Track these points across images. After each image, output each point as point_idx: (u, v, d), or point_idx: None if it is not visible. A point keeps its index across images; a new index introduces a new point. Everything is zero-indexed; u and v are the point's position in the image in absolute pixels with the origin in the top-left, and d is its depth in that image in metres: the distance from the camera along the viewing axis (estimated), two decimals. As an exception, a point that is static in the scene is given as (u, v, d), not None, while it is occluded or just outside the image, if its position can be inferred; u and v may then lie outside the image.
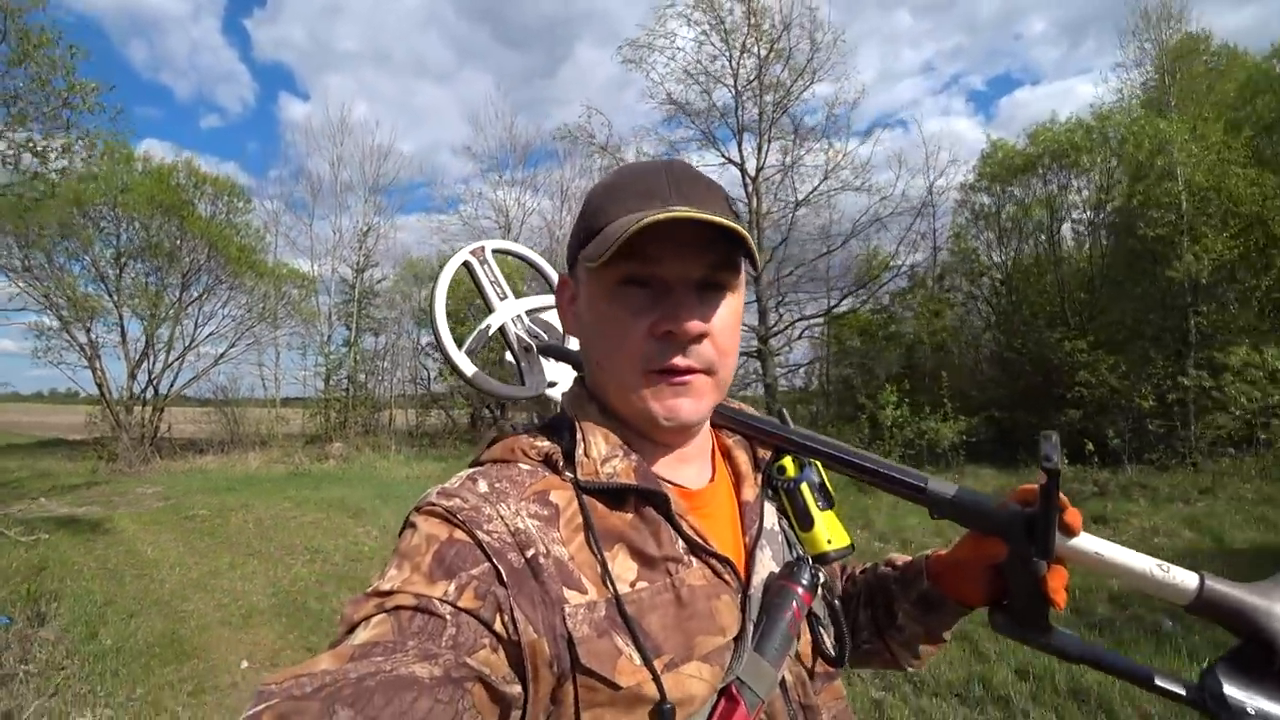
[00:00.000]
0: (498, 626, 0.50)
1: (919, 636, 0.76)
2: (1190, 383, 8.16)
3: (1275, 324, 9.34)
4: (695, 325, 0.57)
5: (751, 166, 12.14)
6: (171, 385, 15.37)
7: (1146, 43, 10.73)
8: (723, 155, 12.41)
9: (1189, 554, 5.83)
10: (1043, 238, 11.73)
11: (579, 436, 0.61)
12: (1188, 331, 9.38)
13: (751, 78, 12.00)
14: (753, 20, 11.89)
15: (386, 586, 0.50)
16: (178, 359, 15.29)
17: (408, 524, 0.57)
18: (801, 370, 14.89)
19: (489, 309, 1.02)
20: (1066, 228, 11.87)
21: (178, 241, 14.49)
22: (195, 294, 15.35)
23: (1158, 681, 0.59)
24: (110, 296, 14.46)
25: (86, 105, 7.11)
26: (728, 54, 12.00)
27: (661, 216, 0.53)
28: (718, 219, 0.54)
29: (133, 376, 14.65)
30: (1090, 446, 8.51)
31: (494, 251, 1.09)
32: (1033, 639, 0.62)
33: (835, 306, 13.07)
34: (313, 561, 5.40)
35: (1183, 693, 0.57)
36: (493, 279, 1.05)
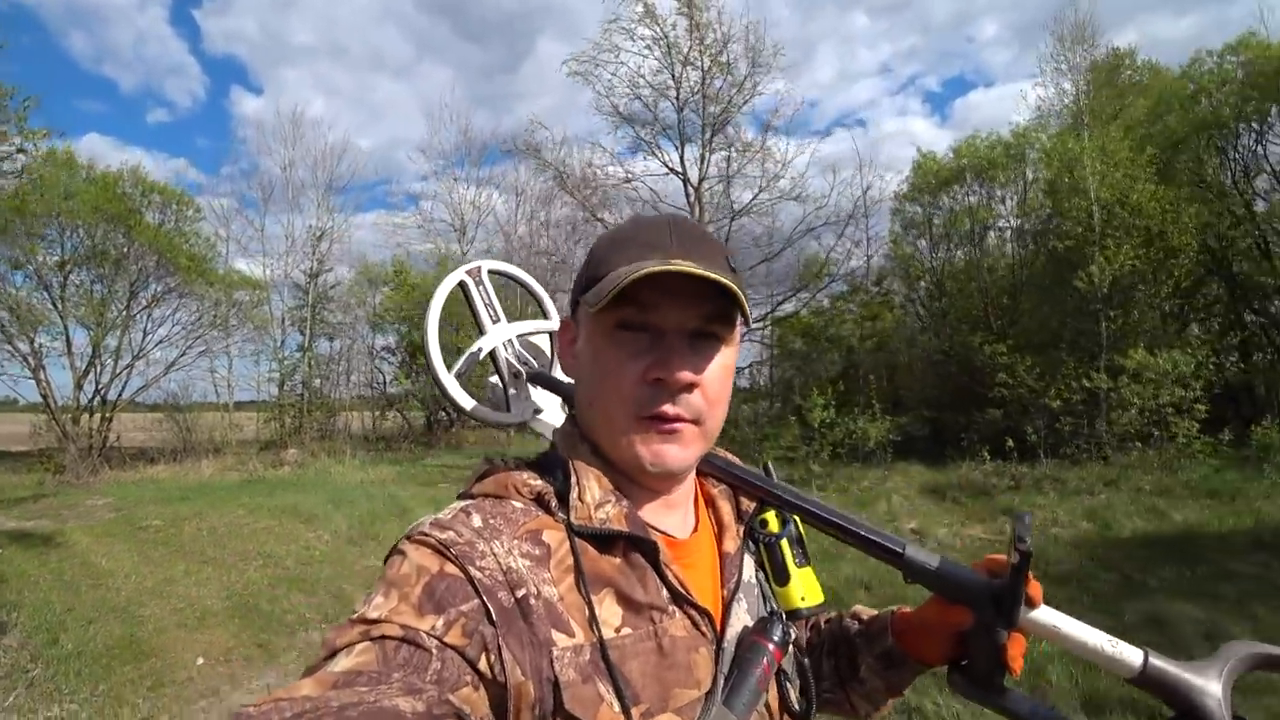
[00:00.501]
0: (482, 665, 0.50)
1: (880, 690, 0.79)
2: (1090, 384, 8.86)
3: (1178, 329, 10.18)
4: (686, 375, 0.60)
5: (694, 176, 12.64)
6: (120, 394, 15.21)
7: (1062, 64, 11.49)
8: (666, 166, 12.89)
9: (1081, 543, 6.46)
10: (970, 246, 12.46)
11: (573, 479, 0.62)
12: (1099, 335, 10.16)
13: (695, 90, 12.49)
14: (696, 34, 12.39)
15: (373, 615, 0.50)
16: (126, 368, 15.12)
17: (397, 551, 0.57)
18: (745, 371, 15.47)
19: (480, 331, 1.02)
20: (993, 235, 12.67)
21: (124, 250, 14.37)
22: (144, 302, 15.23)
23: None
24: (55, 305, 14.28)
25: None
26: (670, 67, 12.46)
27: (658, 269, 0.56)
28: (711, 274, 0.57)
29: (79, 386, 14.48)
30: (1010, 443, 9.21)
31: (490, 273, 1.08)
32: (989, 700, 0.65)
33: (774, 311, 13.64)
34: (265, 566, 5.67)
35: None
36: (486, 301, 1.04)
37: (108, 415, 14.63)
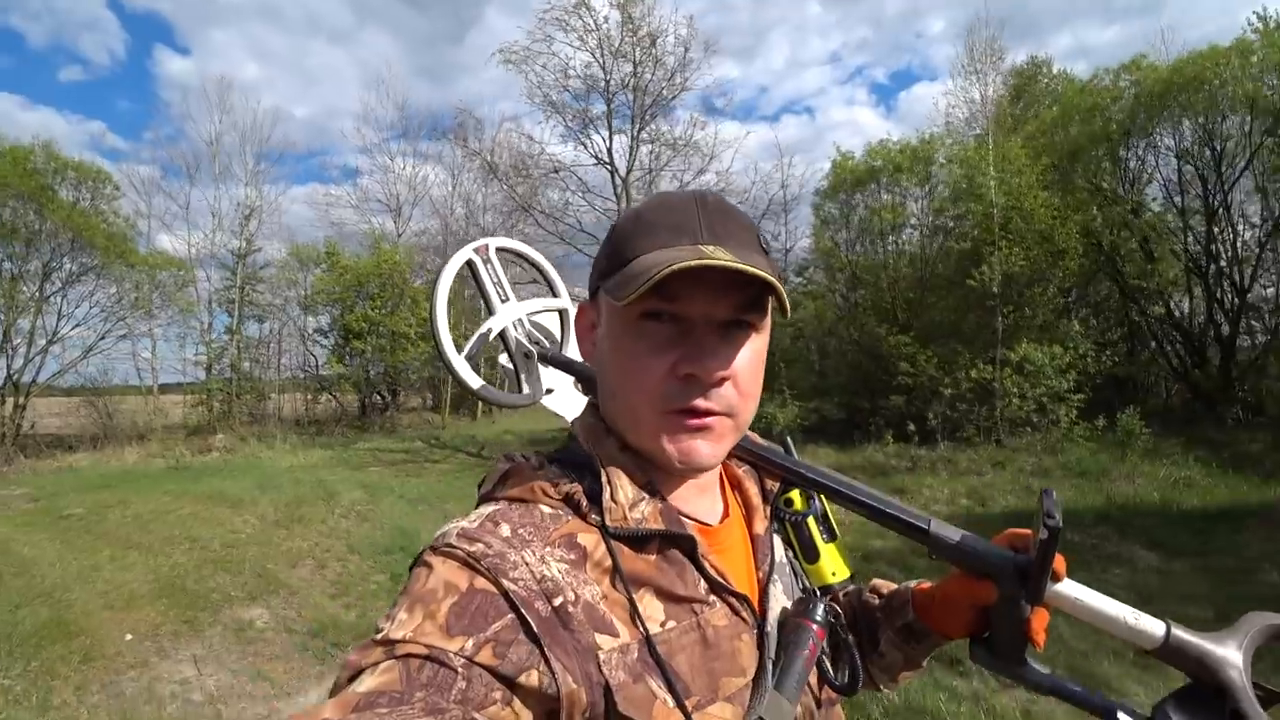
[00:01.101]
0: (524, 680, 0.49)
1: (899, 662, 0.79)
2: (978, 375, 9.71)
3: (1066, 324, 11.14)
4: (718, 369, 0.58)
5: (622, 167, 13.02)
6: (33, 380, 14.71)
7: (972, 75, 12.28)
8: (595, 157, 13.24)
9: (956, 517, 7.23)
10: (881, 242, 13.27)
11: (604, 479, 0.61)
12: (995, 330, 11.05)
13: (624, 83, 12.84)
14: (629, 26, 12.72)
15: (397, 634, 0.49)
16: (40, 352, 14.64)
17: (421, 563, 0.55)
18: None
19: (489, 311, 1.00)
20: (905, 233, 13.50)
21: (36, 228, 13.85)
22: (58, 283, 14.72)
23: (1120, 715, 0.62)
24: (-40, 287, 13.67)
25: None
26: (601, 60, 12.77)
27: (694, 264, 0.53)
28: (750, 269, 0.54)
29: (-10, 373, 13.97)
30: (912, 427, 10.02)
31: (498, 250, 1.07)
32: (1011, 672, 0.66)
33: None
34: (191, 550, 5.89)
35: None
36: (495, 280, 1.03)
37: (21, 402, 14.16)
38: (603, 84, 12.76)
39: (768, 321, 0.63)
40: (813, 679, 0.66)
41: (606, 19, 12.70)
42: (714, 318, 0.59)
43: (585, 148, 13.12)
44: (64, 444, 14.14)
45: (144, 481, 9.80)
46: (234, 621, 4.41)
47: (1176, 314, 12.00)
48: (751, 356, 0.61)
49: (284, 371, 19.90)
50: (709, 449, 0.60)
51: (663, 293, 0.55)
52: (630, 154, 12.97)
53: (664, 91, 12.95)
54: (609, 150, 13.03)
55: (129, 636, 4.03)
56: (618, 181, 13.02)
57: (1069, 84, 14.17)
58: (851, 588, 0.84)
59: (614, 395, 0.63)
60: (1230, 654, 0.61)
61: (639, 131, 12.83)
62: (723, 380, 0.59)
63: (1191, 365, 11.62)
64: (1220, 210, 11.07)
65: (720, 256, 0.54)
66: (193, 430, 15.89)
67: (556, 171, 13.01)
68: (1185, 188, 11.40)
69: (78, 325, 15.25)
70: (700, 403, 0.58)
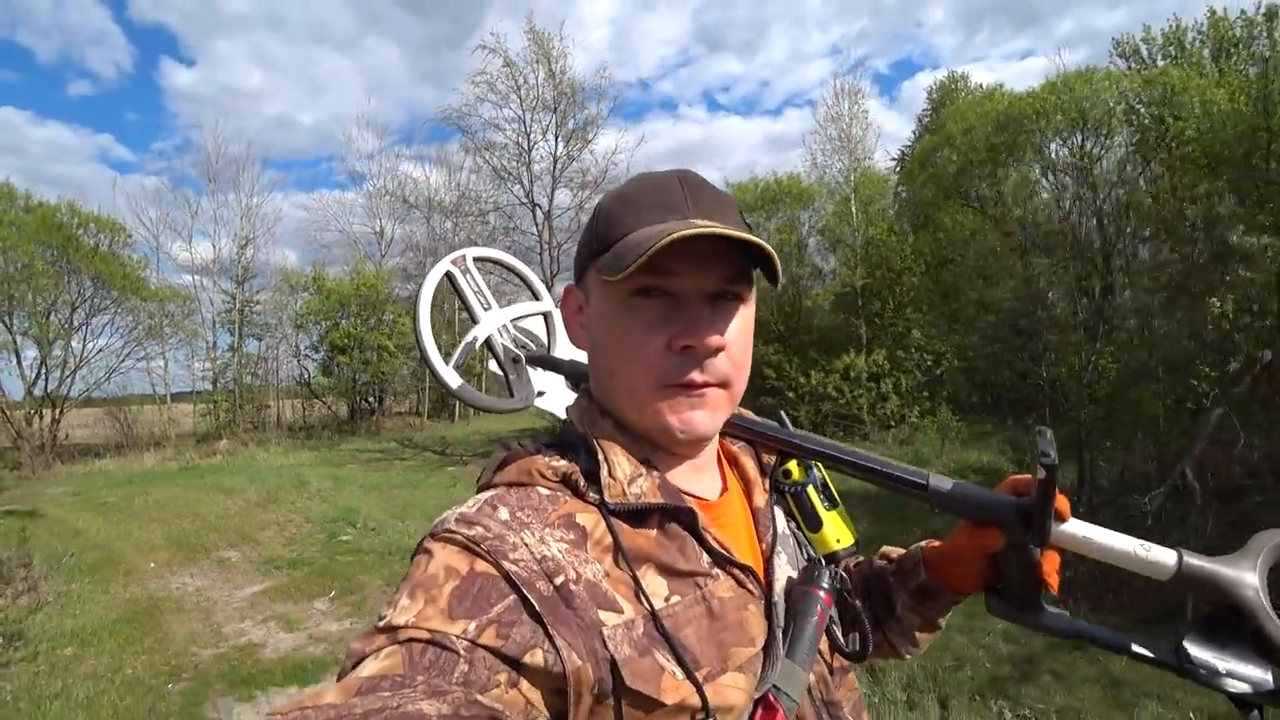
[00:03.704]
0: (531, 660, 0.49)
1: (916, 626, 0.80)
2: (814, 381, 12.10)
3: (898, 338, 13.46)
4: (714, 339, 0.59)
5: (545, 205, 15.48)
6: (65, 398, 17.36)
7: (833, 121, 14.57)
8: (519, 199, 15.70)
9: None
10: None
11: (600, 456, 0.61)
12: (860, 338, 13.40)
13: (545, 130, 15.32)
14: (551, 80, 15.16)
15: (400, 620, 0.49)
16: (70, 374, 17.28)
17: (422, 550, 0.55)
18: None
19: (473, 320, 1.02)
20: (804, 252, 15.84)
21: (63, 271, 16.47)
22: (84, 315, 17.37)
23: (1135, 648, 0.63)
24: (2, 320, 16.29)
25: None
26: (522, 115, 15.24)
27: (688, 232, 0.54)
28: (743, 235, 0.56)
29: (29, 392, 16.60)
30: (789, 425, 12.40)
31: (475, 259, 1.08)
32: (1027, 619, 0.67)
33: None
34: (194, 520, 8.43)
35: (1158, 657, 0.62)
36: (475, 289, 1.04)
37: (57, 416, 16.79)
38: (524, 131, 15.22)
39: (753, 293, 0.65)
40: (824, 647, 0.67)
41: (534, 73, 15.15)
42: (704, 290, 0.60)
43: (510, 191, 15.60)
44: (92, 451, 16.77)
45: (161, 478, 12.39)
46: (217, 558, 6.91)
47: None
48: (741, 327, 0.63)
49: (280, 383, 22.52)
50: (707, 419, 0.62)
51: (654, 268, 0.57)
52: (551, 195, 15.43)
53: (579, 136, 15.38)
54: (529, 192, 15.48)
55: (152, 565, 6.56)
56: (539, 216, 15.46)
57: (990, 97, 15.90)
58: (862, 558, 0.87)
59: (611, 374, 0.64)
60: (1244, 575, 0.60)
61: (560, 172, 15.28)
62: (718, 351, 0.60)
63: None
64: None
65: (714, 228, 0.56)
66: (201, 437, 18.50)
67: (485, 214, 15.49)
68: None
69: (100, 351, 17.89)
70: (697, 375, 0.60)
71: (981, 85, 20.21)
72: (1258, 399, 4.89)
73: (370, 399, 22.25)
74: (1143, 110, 11.01)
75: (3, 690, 3.87)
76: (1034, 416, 12.56)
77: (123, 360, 18.16)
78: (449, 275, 1.03)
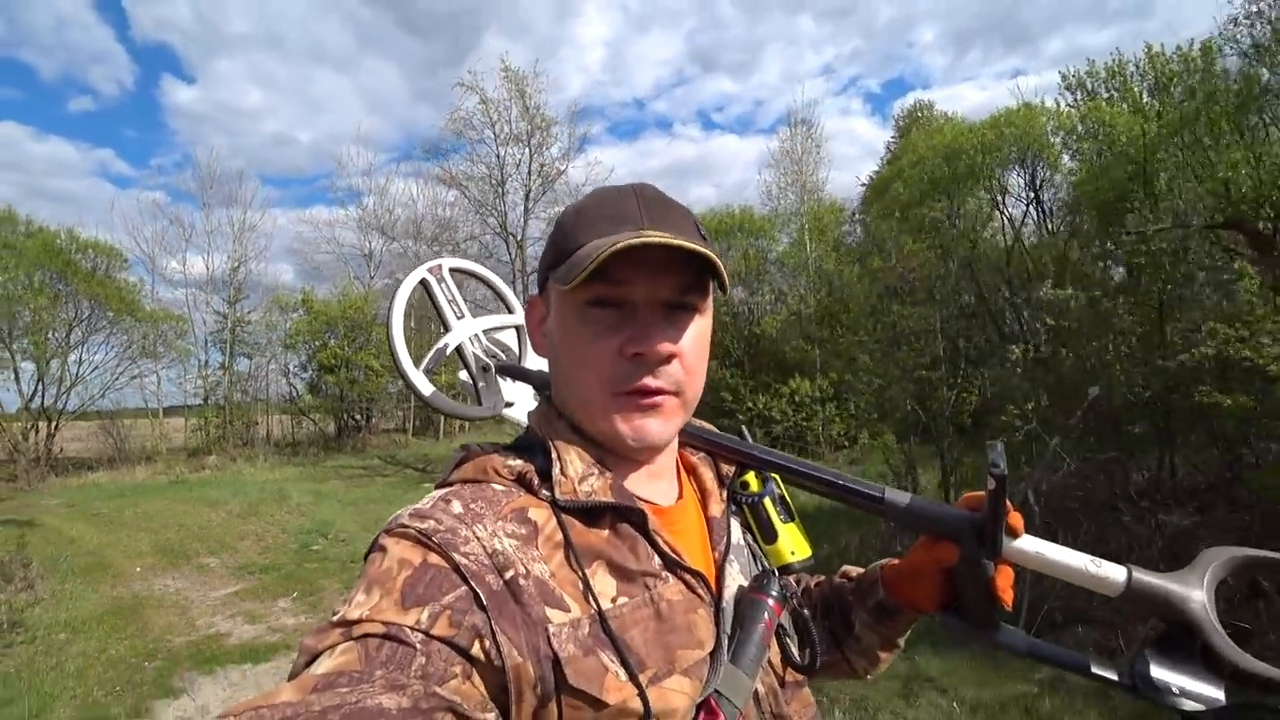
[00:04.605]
0: (475, 651, 0.50)
1: (875, 645, 0.81)
2: (761, 404, 12.93)
3: (849, 362, 14.31)
4: (665, 347, 0.60)
5: (519, 234, 16.39)
6: (60, 413, 18.09)
7: (788, 172, 15.54)
8: (492, 230, 16.60)
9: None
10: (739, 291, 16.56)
11: (554, 455, 0.63)
12: (814, 362, 14.25)
13: (518, 164, 16.26)
14: (525, 116, 16.11)
15: (354, 614, 0.50)
16: (66, 391, 18.05)
17: (376, 547, 0.56)
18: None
19: (445, 328, 1.03)
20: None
21: (60, 292, 17.29)
22: (80, 334, 18.16)
23: (1095, 670, 0.64)
24: (1, 339, 17.05)
25: None
26: (496, 149, 16.20)
27: (635, 241, 0.56)
28: (689, 244, 0.57)
29: (26, 408, 17.32)
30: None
31: (451, 270, 1.10)
32: (984, 638, 0.68)
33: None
34: (179, 530, 9.18)
35: (1116, 678, 0.63)
36: (450, 297, 1.06)
37: (53, 430, 17.52)
38: (498, 164, 16.16)
39: (710, 304, 0.66)
40: (776, 660, 0.67)
41: (508, 109, 16.10)
42: (656, 298, 0.62)
43: (485, 223, 16.51)
44: (85, 464, 17.47)
45: (151, 491, 13.12)
46: (198, 564, 7.66)
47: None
48: (696, 336, 0.64)
49: (270, 400, 23.27)
50: (659, 426, 0.63)
51: (606, 278, 0.59)
52: (524, 225, 16.33)
53: (552, 167, 16.33)
54: (503, 224, 16.38)
55: (138, 569, 7.31)
56: (511, 247, 16.34)
57: (951, 124, 16.77)
58: (821, 577, 0.89)
59: (567, 381, 0.66)
60: (1192, 590, 0.61)
61: (534, 205, 16.20)
62: (670, 358, 0.61)
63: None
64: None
65: (661, 238, 0.57)
66: (191, 452, 19.22)
67: (463, 241, 16.41)
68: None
69: (96, 368, 18.66)
70: (650, 381, 0.61)
71: (946, 113, 20.97)
72: (1088, 429, 5.73)
73: (357, 416, 23.01)
74: (1083, 145, 11.85)
75: (6, 665, 4.63)
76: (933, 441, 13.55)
77: (116, 378, 18.93)
78: (424, 283, 1.06)
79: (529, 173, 16.06)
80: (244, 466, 17.10)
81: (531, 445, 0.67)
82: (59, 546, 8.43)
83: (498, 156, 15.86)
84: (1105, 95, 14.56)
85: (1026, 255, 11.06)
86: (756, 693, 0.63)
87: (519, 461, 0.63)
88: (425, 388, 0.98)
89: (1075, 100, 15.20)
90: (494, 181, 15.99)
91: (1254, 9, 6.67)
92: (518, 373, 0.99)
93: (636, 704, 0.54)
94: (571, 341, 0.64)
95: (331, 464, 17.58)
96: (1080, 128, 12.17)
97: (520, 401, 1.01)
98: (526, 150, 16.07)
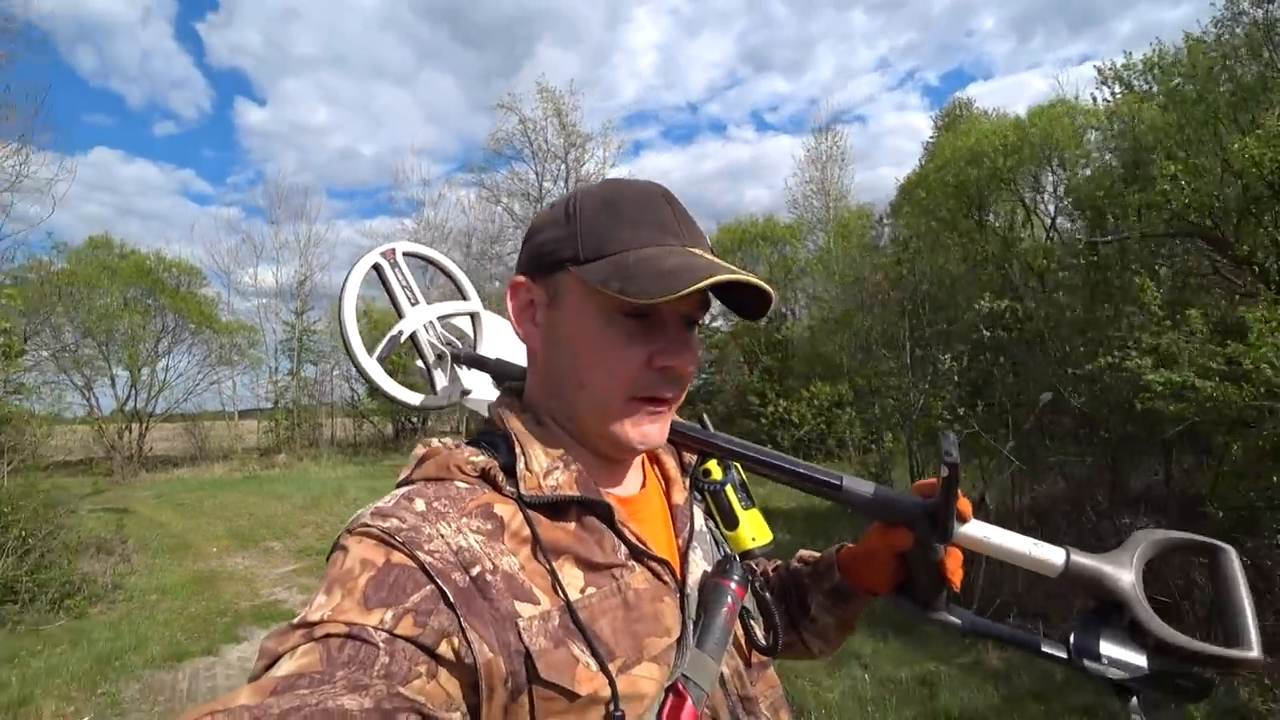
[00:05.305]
0: (444, 650, 0.50)
1: (831, 626, 0.84)
2: (781, 409, 13.41)
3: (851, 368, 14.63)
4: (691, 364, 0.63)
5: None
6: (150, 416, 20.00)
7: (813, 180, 15.98)
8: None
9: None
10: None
11: (518, 450, 0.63)
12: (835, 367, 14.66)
13: (556, 178, 17.19)
14: (563, 132, 17.05)
15: (315, 616, 0.49)
16: (154, 396, 19.95)
17: (338, 547, 0.55)
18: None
19: (399, 314, 1.00)
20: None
21: (149, 306, 19.20)
22: (167, 344, 20.08)
23: (1044, 648, 0.68)
24: (101, 351, 19.03)
25: None
26: (535, 165, 17.18)
27: (731, 278, 0.57)
28: (767, 287, 0.60)
29: (121, 410, 19.26)
30: (769, 447, 13.80)
31: (405, 254, 1.07)
32: (932, 616, 0.72)
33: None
34: (250, 519, 10.40)
35: (1065, 656, 0.66)
36: (404, 283, 1.03)
37: (143, 431, 19.40)
38: (537, 185, 17.14)
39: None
40: (742, 640, 0.69)
41: (546, 126, 17.08)
42: (681, 313, 0.63)
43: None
44: (171, 461, 19.28)
45: (227, 485, 14.57)
46: (264, 547, 8.78)
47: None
48: (696, 348, 0.66)
49: (334, 404, 24.94)
50: (660, 431, 0.66)
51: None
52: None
53: (590, 180, 17.20)
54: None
55: (214, 549, 8.46)
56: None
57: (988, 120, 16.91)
58: (779, 562, 0.92)
59: (581, 384, 0.64)
60: (1122, 572, 0.65)
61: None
62: (692, 373, 0.65)
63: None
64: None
65: (709, 258, 0.60)
66: (263, 451, 20.91)
67: (504, 257, 17.48)
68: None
69: (180, 375, 20.56)
70: (668, 393, 0.64)
71: (985, 111, 20.64)
72: (1042, 433, 6.17)
73: (414, 419, 24.42)
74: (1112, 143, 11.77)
75: (112, 615, 5.73)
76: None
77: (198, 384, 20.79)
78: (376, 267, 1.02)
79: (566, 187, 16.97)
80: (309, 465, 18.54)
81: (493, 438, 0.66)
82: (150, 529, 9.71)
83: (536, 174, 16.85)
84: (1144, 88, 14.41)
85: (1046, 259, 11.19)
86: (723, 675, 0.64)
87: (482, 457, 0.62)
88: (378, 375, 0.96)
89: (1114, 95, 15.07)
90: (532, 198, 16.97)
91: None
92: (476, 361, 0.96)
93: (607, 693, 0.55)
94: (592, 341, 0.63)
95: (389, 463, 18.83)
96: (1110, 126, 12.12)
97: (478, 389, 0.99)
98: (564, 165, 16.99)
